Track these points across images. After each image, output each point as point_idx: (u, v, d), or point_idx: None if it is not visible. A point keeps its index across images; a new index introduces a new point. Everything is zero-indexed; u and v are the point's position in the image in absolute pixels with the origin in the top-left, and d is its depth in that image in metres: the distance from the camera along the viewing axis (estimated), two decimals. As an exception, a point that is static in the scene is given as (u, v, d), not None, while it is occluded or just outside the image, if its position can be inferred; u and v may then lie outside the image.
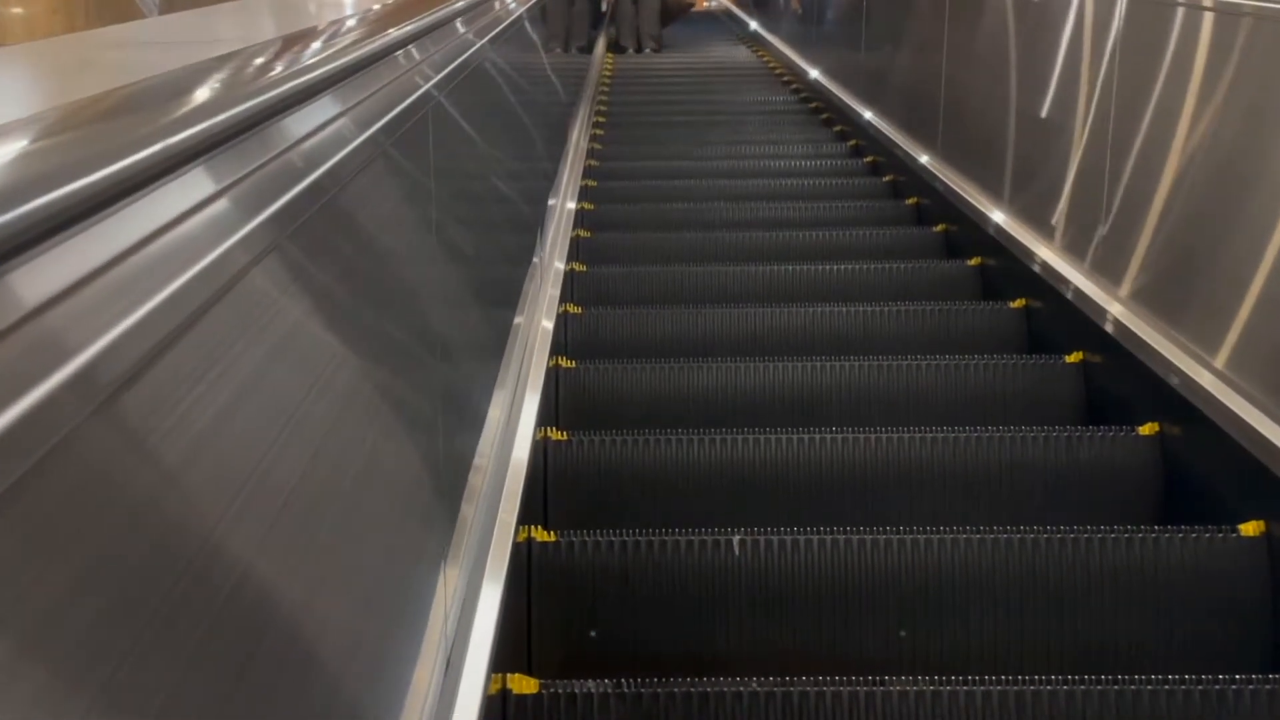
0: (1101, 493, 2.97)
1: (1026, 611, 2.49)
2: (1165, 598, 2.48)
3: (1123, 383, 3.22)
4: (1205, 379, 2.78)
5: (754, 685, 2.14)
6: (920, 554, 2.52)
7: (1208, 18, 2.99)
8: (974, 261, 4.47)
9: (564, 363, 3.49)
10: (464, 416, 2.37)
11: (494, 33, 3.12)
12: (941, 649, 2.48)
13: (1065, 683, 2.13)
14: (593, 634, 2.50)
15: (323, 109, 1.44)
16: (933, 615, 2.49)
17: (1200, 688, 2.11)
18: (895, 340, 3.87)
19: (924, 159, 5.35)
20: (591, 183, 5.82)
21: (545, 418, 3.10)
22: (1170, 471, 2.94)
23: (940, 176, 5.04)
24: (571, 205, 4.99)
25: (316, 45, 1.65)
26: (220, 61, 1.39)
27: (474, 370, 2.58)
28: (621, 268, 4.53)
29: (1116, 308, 3.26)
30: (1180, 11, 3.10)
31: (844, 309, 3.97)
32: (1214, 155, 2.93)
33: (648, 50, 12.22)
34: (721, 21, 15.16)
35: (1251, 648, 2.48)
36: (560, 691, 2.13)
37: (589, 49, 10.68)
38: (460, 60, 2.45)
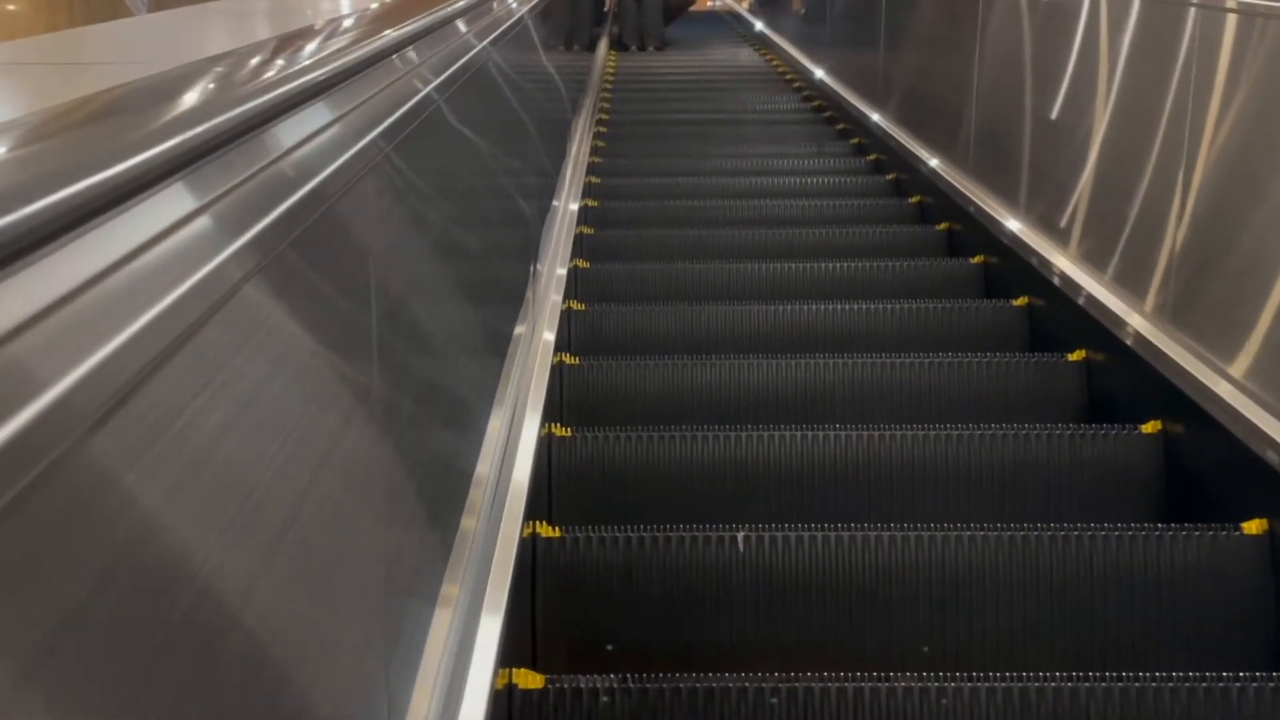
0: (1104, 490, 2.98)
1: (1029, 608, 2.49)
2: (1168, 595, 2.49)
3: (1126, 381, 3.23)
4: (1209, 378, 2.78)
5: (759, 681, 2.15)
6: (924, 550, 2.52)
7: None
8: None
9: (568, 359, 3.50)
10: (468, 414, 2.38)
11: (495, 34, 3.12)
12: (945, 645, 2.48)
13: (1069, 679, 2.14)
14: (597, 629, 2.51)
15: (311, 118, 1.38)
16: (936, 611, 2.50)
17: (1204, 685, 2.12)
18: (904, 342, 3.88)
19: (952, 177, 4.92)
20: (595, 179, 5.83)
21: (549, 414, 3.10)
22: (1173, 470, 2.95)
23: (973, 199, 4.59)
24: (574, 206, 4.98)
25: (312, 46, 1.63)
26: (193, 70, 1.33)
27: (478, 368, 2.58)
28: (625, 265, 4.54)
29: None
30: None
31: (856, 307, 3.93)
32: (1236, 170, 2.94)
33: (651, 48, 12.23)
34: (725, 22, 14.89)
35: (1254, 645, 2.48)
36: (566, 686, 2.13)
37: (591, 47, 10.67)
38: (461, 63, 2.45)
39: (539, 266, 3.89)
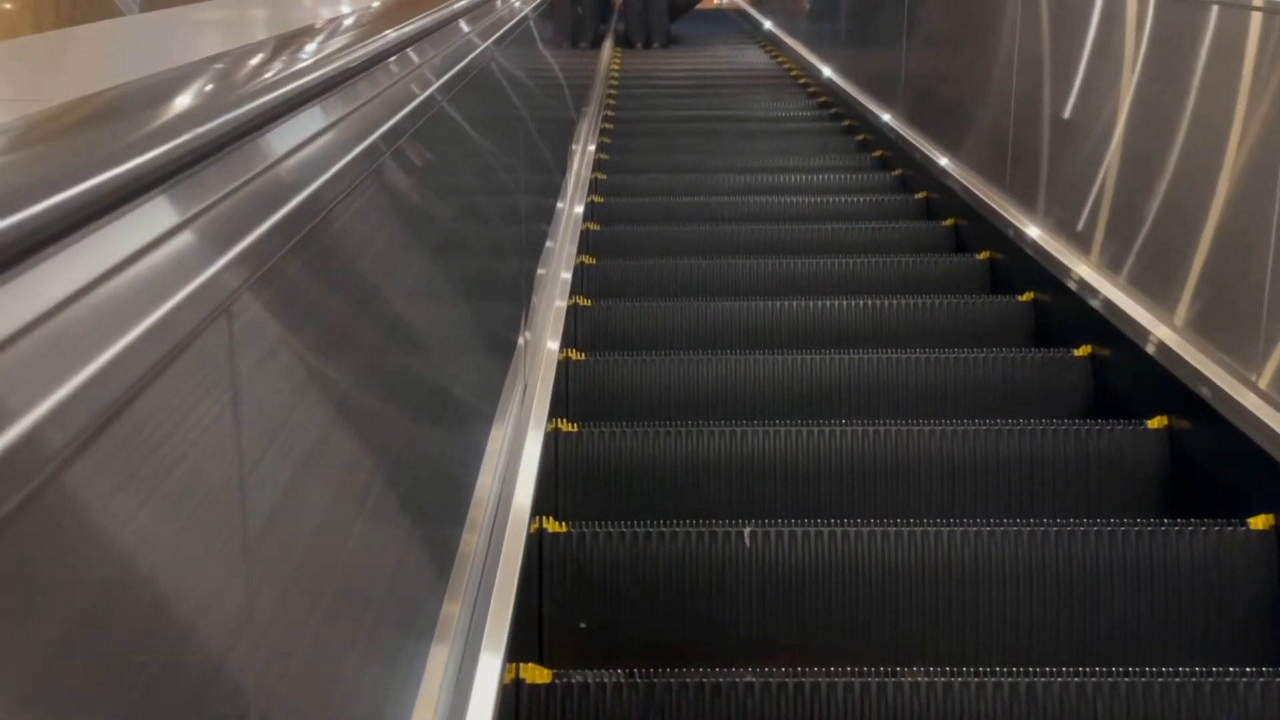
0: (1110, 486, 2.97)
1: (1035, 603, 2.49)
2: (1174, 591, 2.49)
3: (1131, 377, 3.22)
4: (1213, 372, 2.78)
5: (765, 675, 2.15)
6: (929, 546, 2.52)
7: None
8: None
9: (574, 355, 3.51)
10: (473, 412, 2.38)
11: (499, 34, 3.11)
12: (951, 640, 2.49)
13: (1076, 675, 2.14)
14: (604, 624, 2.51)
15: (305, 124, 1.32)
16: (942, 607, 2.50)
17: (1210, 680, 2.12)
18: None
19: (987, 197, 4.40)
20: (602, 175, 5.83)
21: (555, 410, 3.11)
22: (1179, 465, 2.95)
23: (1014, 222, 4.11)
24: (579, 209, 4.96)
25: (310, 47, 1.59)
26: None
27: (483, 366, 2.58)
28: (631, 260, 4.55)
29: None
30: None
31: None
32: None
33: (656, 45, 12.23)
34: (733, 20, 14.58)
35: (1259, 641, 2.48)
36: (573, 681, 2.14)
37: (597, 45, 10.68)
38: (463, 64, 2.44)
39: (544, 263, 3.89)
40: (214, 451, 0.96)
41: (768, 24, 12.13)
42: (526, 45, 4.17)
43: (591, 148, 6.18)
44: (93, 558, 0.77)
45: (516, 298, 3.18)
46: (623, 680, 2.14)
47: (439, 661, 1.73)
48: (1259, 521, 2.52)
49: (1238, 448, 2.64)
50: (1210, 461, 2.84)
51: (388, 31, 1.76)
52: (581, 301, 3.96)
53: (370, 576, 1.45)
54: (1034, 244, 3.91)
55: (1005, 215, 4.20)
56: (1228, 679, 2.12)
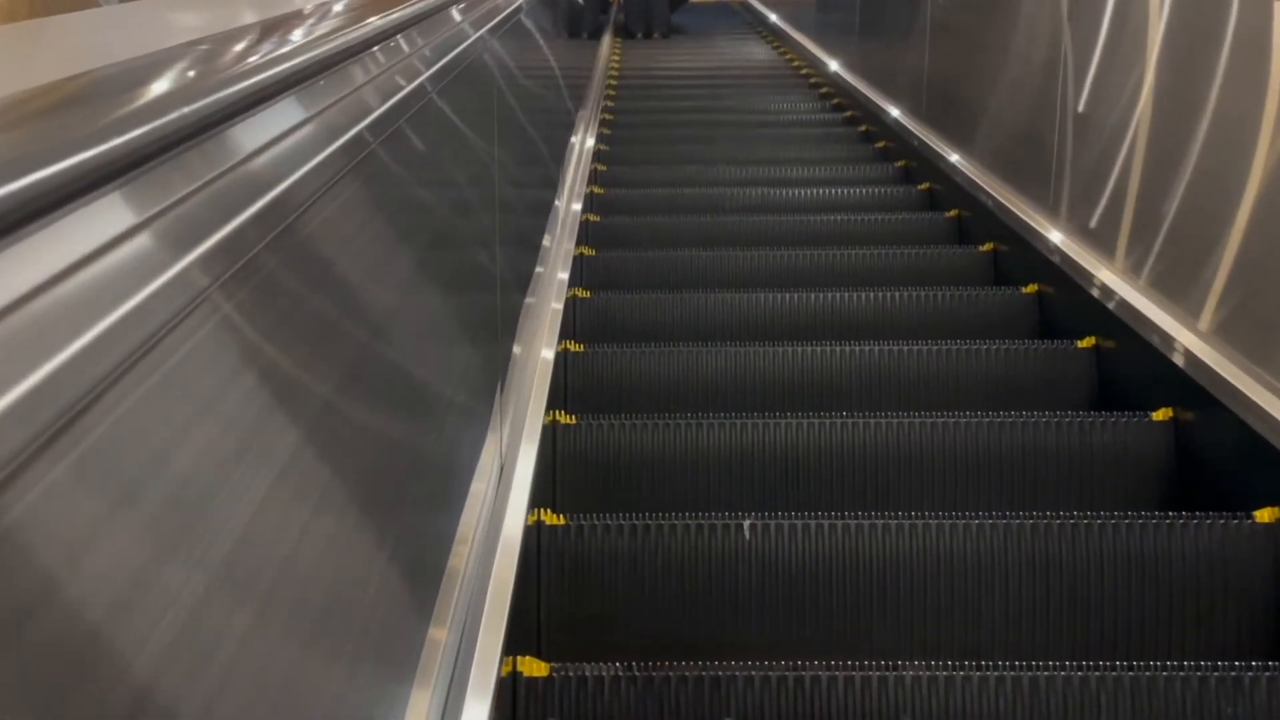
0: (1115, 478, 2.95)
1: (1039, 597, 2.47)
2: (1179, 583, 2.47)
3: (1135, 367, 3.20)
4: (1219, 363, 2.76)
5: (764, 669, 2.13)
6: (932, 539, 2.50)
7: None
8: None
9: (572, 346, 3.49)
10: (470, 404, 2.36)
11: (493, 22, 3.08)
12: (953, 633, 2.47)
13: (1079, 668, 2.12)
14: (602, 617, 2.49)
15: (280, 116, 1.24)
16: (944, 600, 2.48)
17: (1215, 674, 2.10)
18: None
19: (1027, 216, 3.97)
20: (601, 166, 5.81)
21: (553, 402, 3.09)
22: (1184, 457, 2.93)
23: (1063, 250, 3.66)
24: (577, 207, 4.93)
25: (296, 33, 1.54)
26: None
27: (480, 356, 2.56)
28: (631, 251, 4.53)
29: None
30: None
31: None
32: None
33: (656, 35, 12.22)
34: (735, 12, 14.29)
35: (1265, 634, 2.46)
36: (570, 674, 2.12)
37: (597, 35, 10.66)
38: (456, 53, 2.42)
39: (546, 252, 3.87)
40: (181, 463, 0.91)
41: (773, 16, 11.75)
42: (522, 35, 4.15)
43: (590, 141, 6.16)
44: (40, 573, 0.72)
45: (512, 289, 3.16)
46: (621, 673, 2.12)
47: (434, 655, 1.71)
48: (1265, 514, 2.50)
49: (1243, 439, 2.62)
50: (1216, 454, 2.82)
51: (373, 19, 1.72)
52: (580, 293, 3.94)
53: (364, 568, 1.43)
54: (1093, 280, 3.46)
55: (1052, 239, 3.75)
56: (1233, 673, 2.10)
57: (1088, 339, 3.44)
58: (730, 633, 2.49)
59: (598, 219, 4.91)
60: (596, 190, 5.35)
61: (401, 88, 1.83)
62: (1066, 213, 3.80)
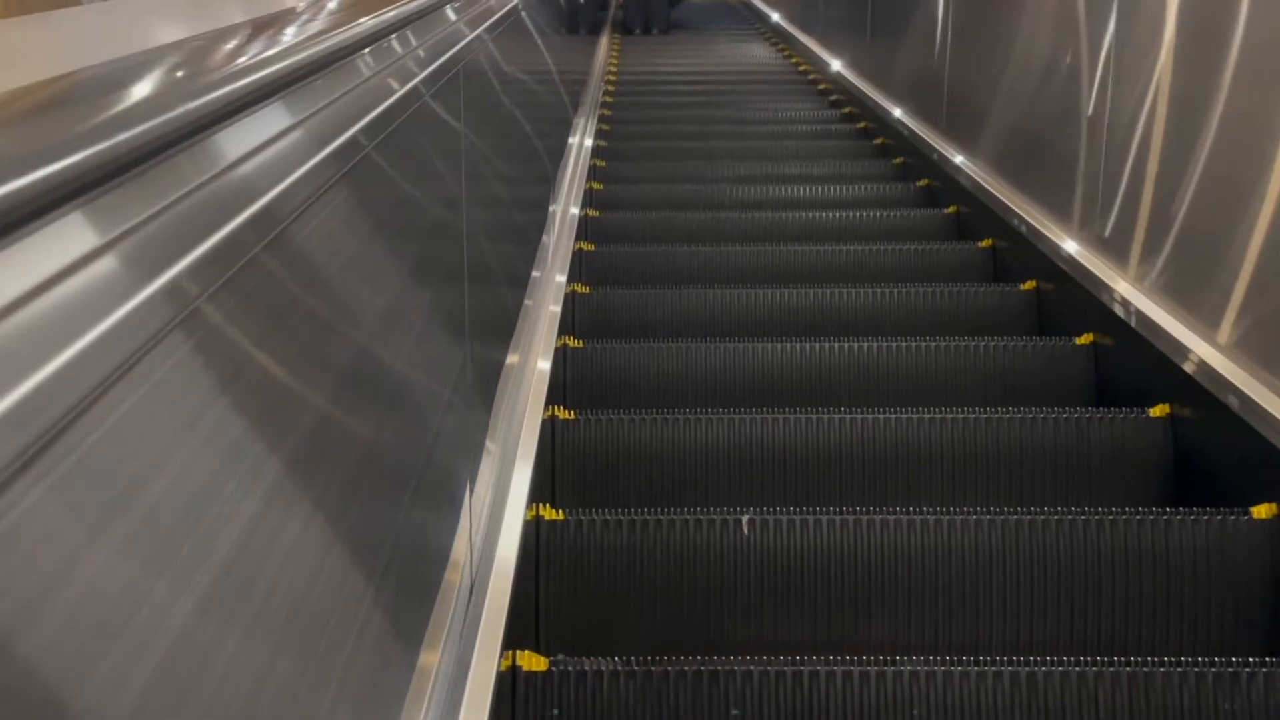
0: (1112, 474, 2.96)
1: (1036, 592, 2.48)
2: (1176, 580, 2.47)
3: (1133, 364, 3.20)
4: (1216, 361, 2.77)
5: (763, 664, 2.14)
6: (929, 535, 2.51)
7: None
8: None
9: (571, 342, 3.49)
10: (470, 400, 2.36)
11: (489, 21, 3.05)
12: (951, 628, 2.47)
13: (1077, 663, 2.12)
14: (601, 612, 2.50)
15: (263, 123, 1.19)
16: (943, 595, 2.48)
17: (1212, 670, 2.11)
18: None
19: (1074, 251, 3.60)
20: (600, 162, 5.82)
21: (552, 397, 3.09)
22: (1181, 453, 2.93)
23: (1108, 286, 3.30)
24: (575, 211, 4.93)
25: (288, 32, 1.51)
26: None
27: (482, 351, 2.57)
28: (630, 247, 4.53)
29: None
30: None
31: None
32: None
33: (655, 30, 12.23)
34: (736, 11, 14.11)
35: (1262, 630, 2.47)
36: (570, 669, 2.12)
37: (596, 31, 10.67)
38: (451, 53, 2.41)
39: (545, 249, 3.88)
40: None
41: (775, 16, 11.45)
42: (519, 32, 4.15)
43: (589, 142, 6.15)
44: (20, 597, 0.70)
45: (511, 287, 3.17)
46: (620, 668, 2.13)
47: (435, 649, 1.71)
48: (1262, 510, 2.50)
49: (1241, 436, 2.63)
50: (1214, 449, 2.83)
51: (364, 19, 1.67)
52: (579, 289, 3.95)
53: (363, 564, 1.43)
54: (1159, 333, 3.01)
55: (1098, 275, 3.42)
56: (1230, 669, 2.11)
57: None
58: (729, 627, 2.50)
59: (597, 214, 4.92)
60: (595, 185, 5.36)
61: (393, 90, 1.83)
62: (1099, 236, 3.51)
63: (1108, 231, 3.49)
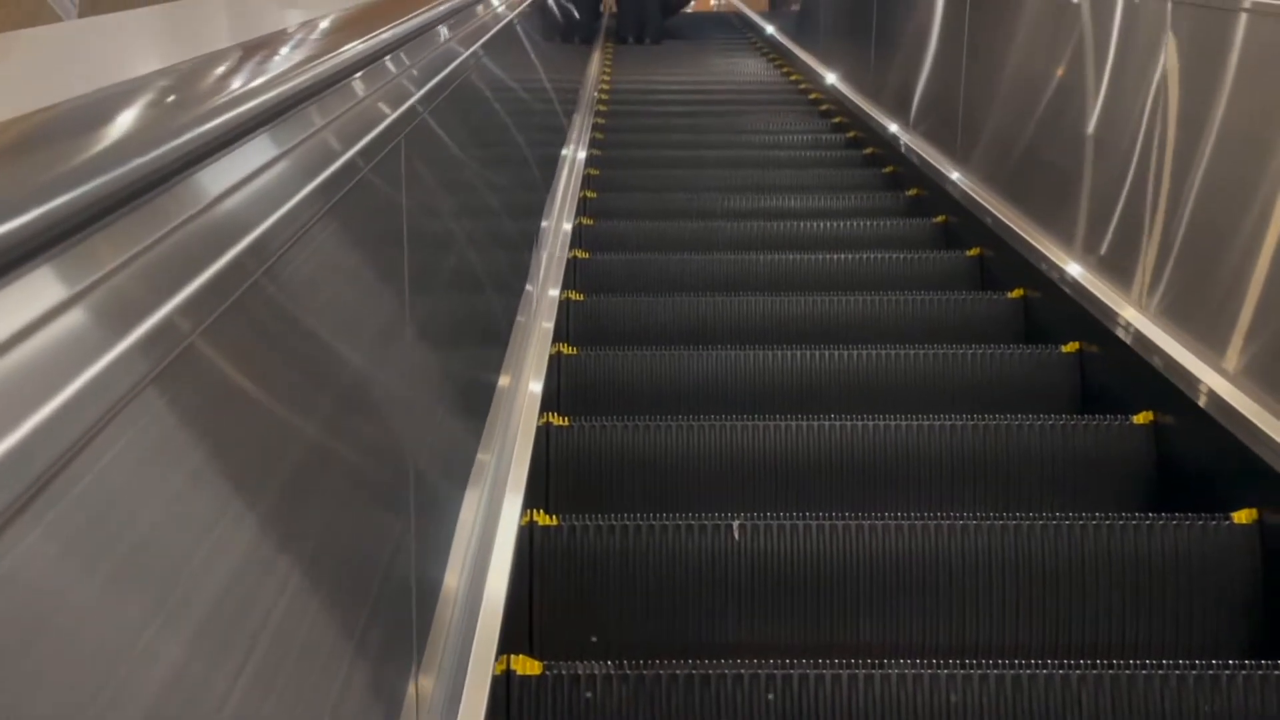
0: (1096, 480, 3.00)
1: (1021, 597, 2.51)
2: (1158, 584, 2.51)
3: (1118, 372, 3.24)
4: (1200, 370, 2.80)
5: (754, 668, 2.17)
6: (917, 539, 2.54)
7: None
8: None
9: (565, 349, 3.52)
10: (465, 406, 2.39)
11: (485, 38, 3.06)
12: (938, 632, 2.51)
13: (1060, 667, 2.16)
14: (594, 617, 2.53)
15: (251, 155, 1.15)
16: (930, 599, 2.52)
17: (1194, 673, 2.14)
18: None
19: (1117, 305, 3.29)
20: (594, 171, 5.85)
21: (547, 403, 3.12)
22: (1164, 459, 2.97)
23: (1160, 354, 3.02)
24: (568, 223, 4.93)
25: (277, 57, 1.46)
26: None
27: (476, 360, 2.60)
28: (624, 255, 4.57)
29: None
30: None
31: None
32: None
33: (648, 40, 12.29)
34: (730, 24, 14.09)
35: (1242, 634, 2.51)
36: (563, 673, 2.15)
37: (589, 40, 10.72)
38: (446, 72, 2.42)
39: (538, 253, 3.91)
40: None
41: (770, 29, 11.38)
42: (513, 44, 4.17)
43: (582, 154, 6.16)
44: (18, 643, 0.68)
45: (504, 295, 3.20)
46: (612, 672, 2.16)
47: (431, 653, 1.74)
48: (1242, 515, 2.54)
49: (1222, 442, 2.67)
50: (1196, 455, 2.87)
51: (354, 43, 1.62)
52: (574, 296, 3.98)
53: (360, 568, 1.46)
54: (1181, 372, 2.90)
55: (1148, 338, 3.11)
56: (1210, 671, 2.14)
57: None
58: (720, 631, 2.53)
59: (591, 222, 4.95)
60: (589, 194, 5.39)
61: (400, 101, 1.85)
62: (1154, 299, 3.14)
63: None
